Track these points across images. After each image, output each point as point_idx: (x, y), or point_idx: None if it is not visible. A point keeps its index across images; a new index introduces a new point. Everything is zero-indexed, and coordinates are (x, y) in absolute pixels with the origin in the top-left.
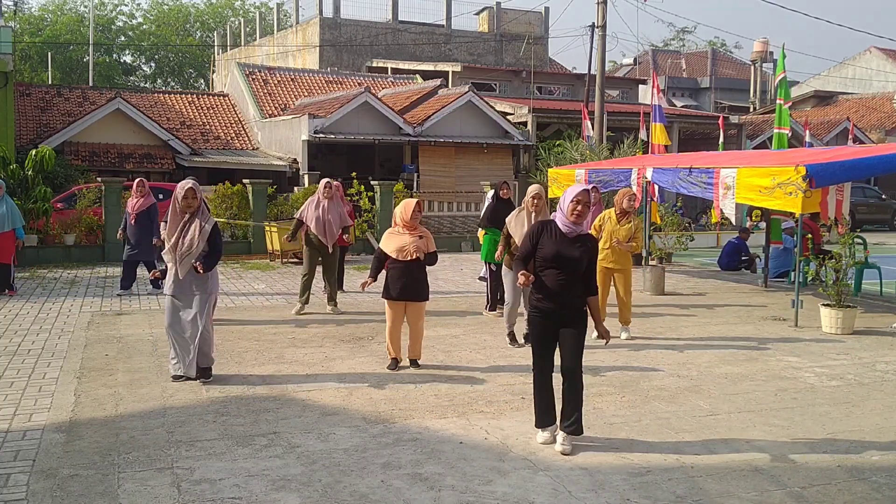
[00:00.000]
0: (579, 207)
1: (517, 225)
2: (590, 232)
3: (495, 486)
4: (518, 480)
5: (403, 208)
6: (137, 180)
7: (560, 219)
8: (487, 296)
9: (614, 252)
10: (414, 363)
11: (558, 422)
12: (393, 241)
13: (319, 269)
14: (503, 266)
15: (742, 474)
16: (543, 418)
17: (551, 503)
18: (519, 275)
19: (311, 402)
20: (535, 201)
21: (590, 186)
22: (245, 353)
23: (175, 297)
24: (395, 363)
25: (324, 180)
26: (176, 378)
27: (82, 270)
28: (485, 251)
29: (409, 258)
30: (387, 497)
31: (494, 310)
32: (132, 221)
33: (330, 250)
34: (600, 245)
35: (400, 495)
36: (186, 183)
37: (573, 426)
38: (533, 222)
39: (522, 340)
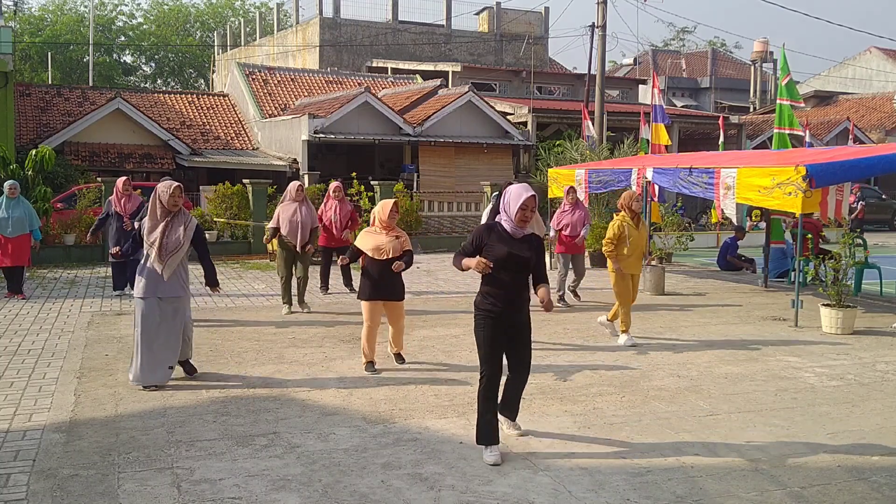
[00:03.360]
0: (526, 213)
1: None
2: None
3: (495, 486)
4: (518, 480)
5: (381, 208)
6: (124, 179)
7: (506, 221)
8: None
9: (638, 259)
10: (399, 358)
11: (506, 419)
12: (370, 240)
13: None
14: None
15: (742, 474)
16: (492, 436)
17: (551, 503)
18: (479, 260)
19: (311, 402)
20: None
21: (567, 188)
22: (245, 353)
23: (159, 298)
24: (371, 366)
25: (295, 183)
26: (146, 387)
27: (82, 270)
28: None
29: (384, 258)
30: (387, 497)
31: None
32: (125, 221)
33: (298, 250)
34: (626, 252)
35: (400, 495)
36: (172, 182)
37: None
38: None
39: None
